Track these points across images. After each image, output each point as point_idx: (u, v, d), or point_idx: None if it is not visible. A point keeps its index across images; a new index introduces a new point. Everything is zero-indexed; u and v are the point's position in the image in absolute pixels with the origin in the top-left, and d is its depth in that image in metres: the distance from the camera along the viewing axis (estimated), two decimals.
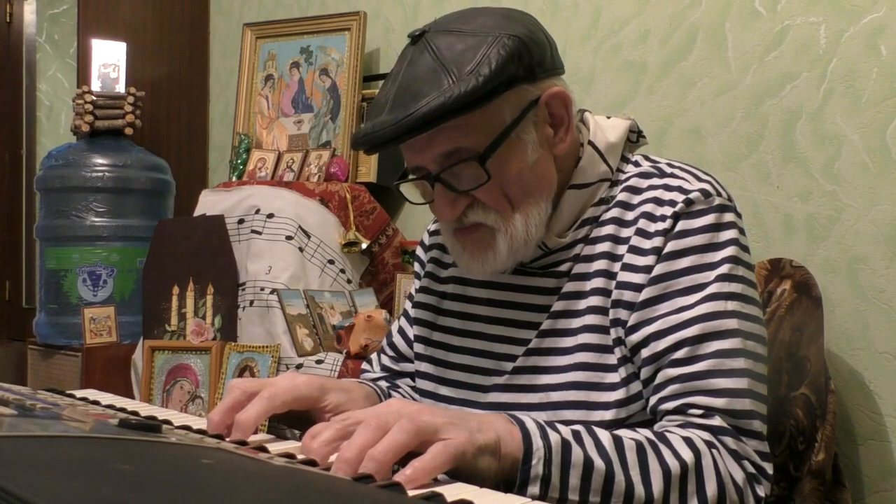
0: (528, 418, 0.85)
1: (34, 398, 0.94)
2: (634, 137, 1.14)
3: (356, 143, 1.04)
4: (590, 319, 1.04)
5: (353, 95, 2.55)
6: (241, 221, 2.37)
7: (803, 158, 1.69)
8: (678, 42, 1.90)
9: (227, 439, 0.84)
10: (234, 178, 2.65)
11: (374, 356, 1.32)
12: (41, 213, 2.87)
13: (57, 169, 2.78)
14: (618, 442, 0.88)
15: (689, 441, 0.92)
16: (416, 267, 1.27)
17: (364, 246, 2.34)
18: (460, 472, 0.77)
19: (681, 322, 0.98)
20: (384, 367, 1.29)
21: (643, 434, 0.92)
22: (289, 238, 2.29)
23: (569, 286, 1.06)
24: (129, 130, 2.83)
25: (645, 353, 1.00)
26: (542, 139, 1.04)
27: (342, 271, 2.34)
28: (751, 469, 0.95)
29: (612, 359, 1.02)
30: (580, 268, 1.06)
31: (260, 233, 2.33)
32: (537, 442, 0.83)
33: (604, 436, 0.88)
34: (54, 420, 0.79)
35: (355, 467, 0.72)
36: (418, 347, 1.19)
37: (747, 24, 1.78)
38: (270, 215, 2.33)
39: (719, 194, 1.04)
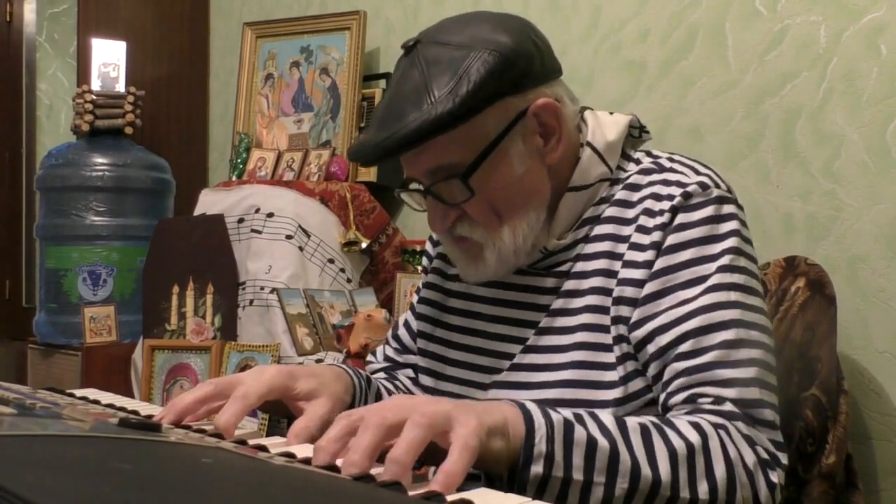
0: (528, 401, 0.85)
1: (34, 397, 0.94)
2: (636, 133, 1.13)
3: (350, 156, 1.09)
4: (586, 318, 1.04)
5: (353, 95, 2.55)
6: (240, 221, 2.37)
7: (803, 158, 1.69)
8: (678, 41, 1.89)
9: (227, 439, 0.84)
10: (234, 178, 2.65)
11: (379, 348, 1.33)
12: (41, 213, 2.87)
13: (57, 168, 2.78)
14: (621, 424, 0.87)
15: (695, 424, 0.91)
16: (424, 261, 1.28)
17: (364, 245, 2.34)
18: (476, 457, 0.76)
19: (683, 315, 0.98)
20: (388, 358, 1.30)
21: (648, 419, 0.91)
22: (289, 237, 2.29)
23: (567, 284, 1.06)
24: (129, 130, 2.83)
25: (650, 348, 0.99)
26: (531, 150, 1.04)
27: (342, 270, 2.34)
28: (764, 455, 0.94)
29: (610, 357, 1.02)
30: (579, 266, 1.06)
31: (260, 232, 2.33)
32: (539, 420, 0.82)
33: (607, 418, 0.87)
34: (54, 419, 0.79)
35: (363, 468, 0.72)
36: (420, 343, 1.20)
37: (747, 24, 1.78)
38: (270, 214, 2.33)
39: (718, 186, 1.03)
